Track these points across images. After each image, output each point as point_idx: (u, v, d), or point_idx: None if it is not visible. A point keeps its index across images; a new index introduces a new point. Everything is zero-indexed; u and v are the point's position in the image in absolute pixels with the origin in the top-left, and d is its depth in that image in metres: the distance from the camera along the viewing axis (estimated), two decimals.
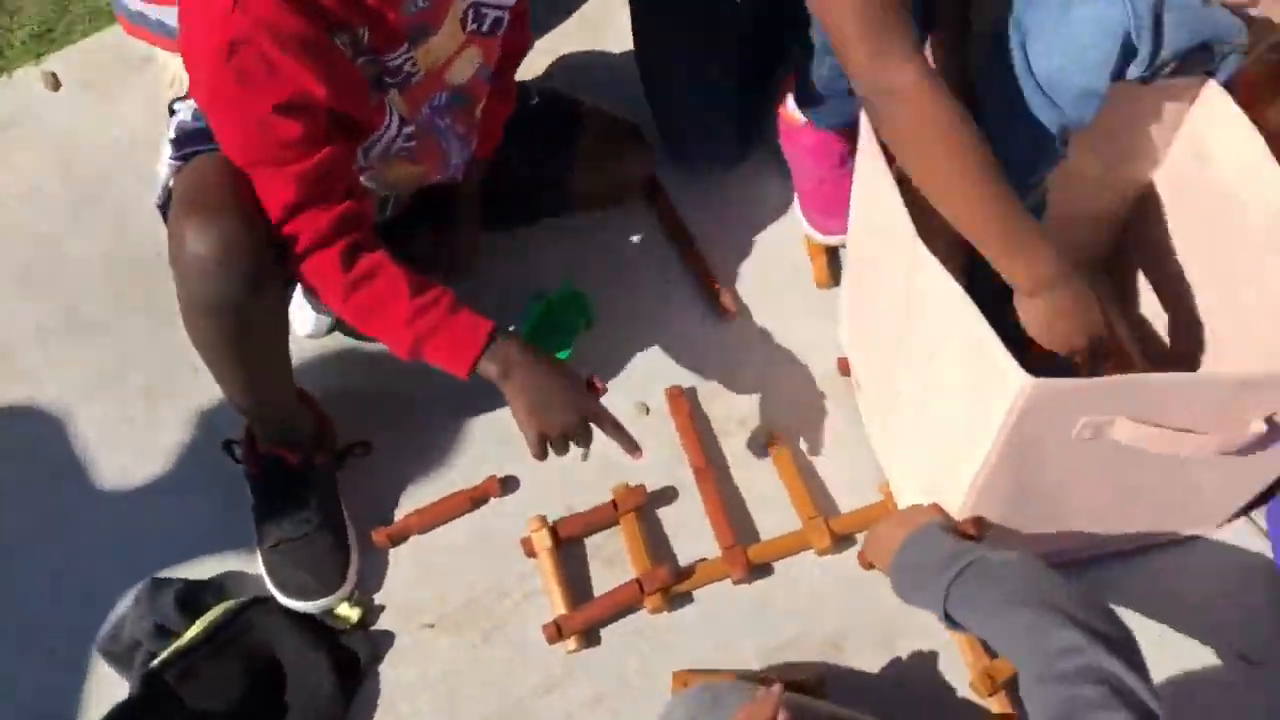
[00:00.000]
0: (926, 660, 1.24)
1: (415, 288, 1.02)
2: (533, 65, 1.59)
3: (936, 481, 1.17)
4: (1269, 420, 0.98)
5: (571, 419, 1.06)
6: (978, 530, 1.12)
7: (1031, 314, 1.02)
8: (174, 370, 1.43)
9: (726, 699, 1.05)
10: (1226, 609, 1.26)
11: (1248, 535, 1.28)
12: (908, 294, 1.08)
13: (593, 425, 1.08)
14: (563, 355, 1.37)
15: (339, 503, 1.31)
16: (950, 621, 1.01)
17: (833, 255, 1.50)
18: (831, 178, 1.44)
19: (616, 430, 1.10)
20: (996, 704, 1.19)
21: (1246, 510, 1.27)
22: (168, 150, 1.11)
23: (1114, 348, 1.14)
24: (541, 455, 1.07)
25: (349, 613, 1.27)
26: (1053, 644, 0.87)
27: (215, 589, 1.30)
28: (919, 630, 1.25)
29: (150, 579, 1.29)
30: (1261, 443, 1.00)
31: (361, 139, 1.09)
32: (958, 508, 1.12)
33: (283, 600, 1.26)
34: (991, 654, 1.21)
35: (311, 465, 1.28)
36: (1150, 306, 1.36)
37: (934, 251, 1.00)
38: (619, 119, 1.49)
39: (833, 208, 1.43)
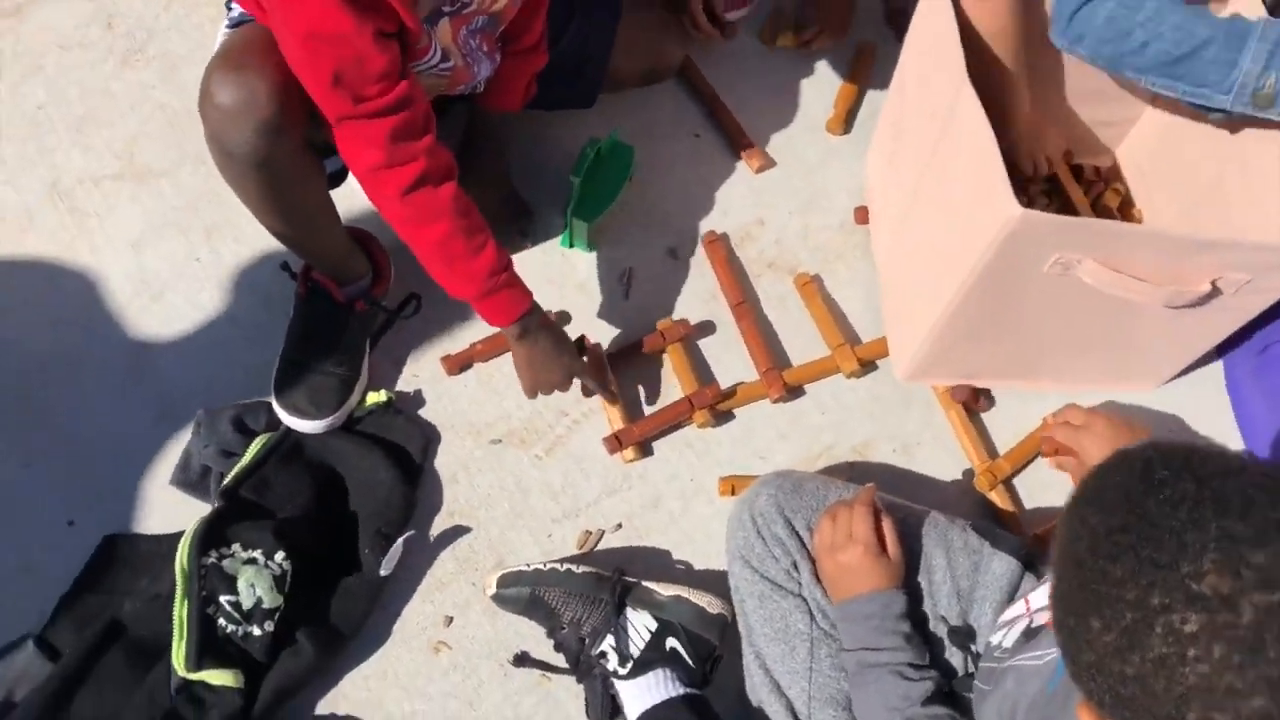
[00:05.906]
0: (939, 462, 1.42)
1: (499, 257, 1.18)
2: None
3: (916, 310, 1.33)
4: (1214, 283, 1.11)
5: (559, 379, 1.32)
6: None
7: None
8: (234, 213, 1.50)
9: (806, 485, 1.18)
10: None
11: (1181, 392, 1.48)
12: (943, 131, 1.22)
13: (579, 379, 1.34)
14: (609, 202, 1.49)
15: (363, 350, 1.39)
16: None
17: (850, 108, 1.67)
18: None
19: (599, 385, 1.37)
20: (997, 497, 1.38)
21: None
22: (223, 26, 1.19)
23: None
24: (532, 397, 1.34)
25: (377, 396, 1.38)
26: None
27: (267, 409, 1.37)
28: (933, 441, 1.43)
29: (203, 410, 1.37)
30: (1204, 301, 1.12)
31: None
32: (928, 329, 1.28)
33: (276, 406, 1.33)
34: (994, 456, 1.40)
35: (352, 308, 1.36)
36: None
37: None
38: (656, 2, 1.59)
39: None
